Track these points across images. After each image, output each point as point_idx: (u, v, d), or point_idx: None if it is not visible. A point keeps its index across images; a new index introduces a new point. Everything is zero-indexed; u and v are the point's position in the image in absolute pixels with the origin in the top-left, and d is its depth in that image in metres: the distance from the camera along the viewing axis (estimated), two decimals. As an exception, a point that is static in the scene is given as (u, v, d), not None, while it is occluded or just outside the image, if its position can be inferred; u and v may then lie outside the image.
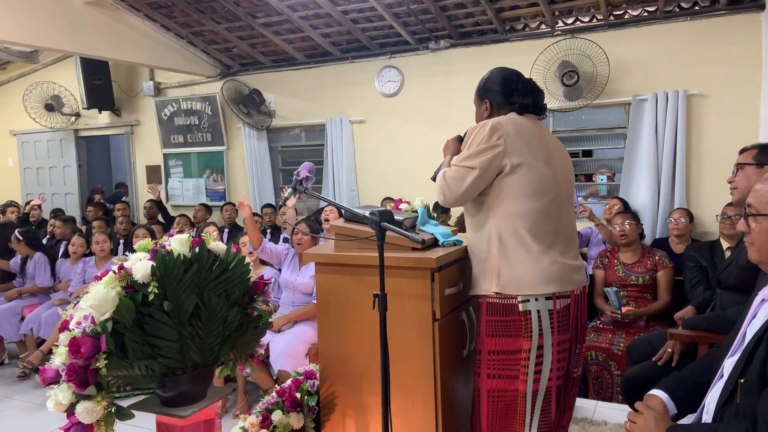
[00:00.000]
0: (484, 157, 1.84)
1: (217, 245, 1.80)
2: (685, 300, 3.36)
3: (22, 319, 4.49)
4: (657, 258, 3.63)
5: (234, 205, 5.90)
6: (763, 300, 1.32)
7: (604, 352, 3.32)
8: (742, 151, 2.13)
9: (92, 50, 4.99)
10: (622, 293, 3.62)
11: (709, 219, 4.22)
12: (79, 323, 1.51)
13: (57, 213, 6.48)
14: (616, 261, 3.71)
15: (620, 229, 3.65)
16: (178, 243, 1.66)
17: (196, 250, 1.70)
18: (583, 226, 4.34)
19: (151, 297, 1.55)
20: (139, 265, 1.57)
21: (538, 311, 1.86)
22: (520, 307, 1.86)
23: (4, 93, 7.68)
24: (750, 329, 1.31)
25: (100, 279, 1.59)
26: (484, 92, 2.08)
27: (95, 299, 1.50)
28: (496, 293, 1.89)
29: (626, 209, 4.16)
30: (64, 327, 1.55)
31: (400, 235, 1.83)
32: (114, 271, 1.59)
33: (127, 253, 1.68)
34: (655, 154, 4.35)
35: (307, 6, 4.78)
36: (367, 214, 1.85)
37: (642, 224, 3.86)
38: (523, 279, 1.86)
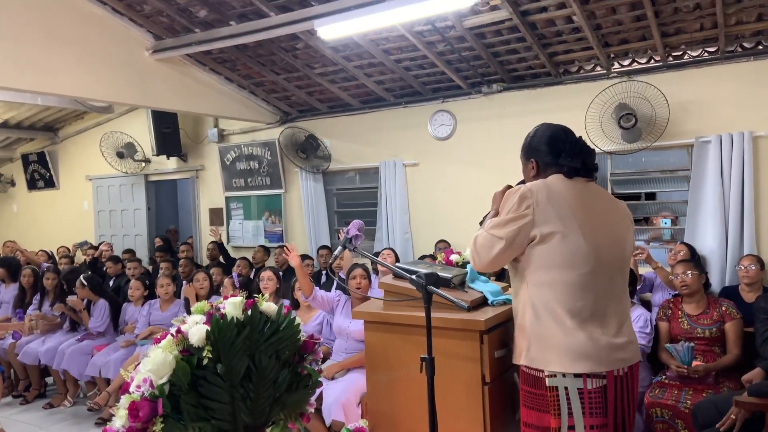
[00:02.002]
0: (512, 227, 1.80)
1: (269, 306, 1.86)
2: (758, 354, 3.17)
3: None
4: (724, 308, 3.45)
5: (263, 247, 6.11)
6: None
7: (670, 410, 3.15)
8: None
9: (162, 103, 5.31)
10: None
11: (783, 266, 3.98)
12: (138, 386, 1.58)
13: (129, 252, 6.85)
14: (680, 312, 3.54)
15: (681, 279, 3.49)
16: (231, 306, 1.73)
17: (249, 312, 1.76)
18: (646, 270, 4.18)
19: (206, 361, 1.61)
20: (195, 329, 1.64)
21: (566, 388, 1.75)
22: (547, 381, 1.77)
23: (81, 141, 8.24)
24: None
25: (159, 342, 1.66)
26: (529, 151, 2.00)
27: (154, 363, 1.57)
28: (526, 368, 1.83)
29: (692, 255, 3.99)
30: (125, 389, 1.63)
31: (445, 300, 1.83)
32: (172, 335, 1.66)
33: (184, 315, 1.76)
34: (721, 197, 4.17)
35: (361, 56, 4.94)
36: (413, 276, 1.86)
37: (706, 272, 3.69)
38: (551, 353, 1.76)
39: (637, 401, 2.01)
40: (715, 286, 4.16)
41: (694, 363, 3.32)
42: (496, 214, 2.01)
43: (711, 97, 4.25)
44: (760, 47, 4.10)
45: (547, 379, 1.76)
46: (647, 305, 4.24)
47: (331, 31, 3.97)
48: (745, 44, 4.13)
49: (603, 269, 1.82)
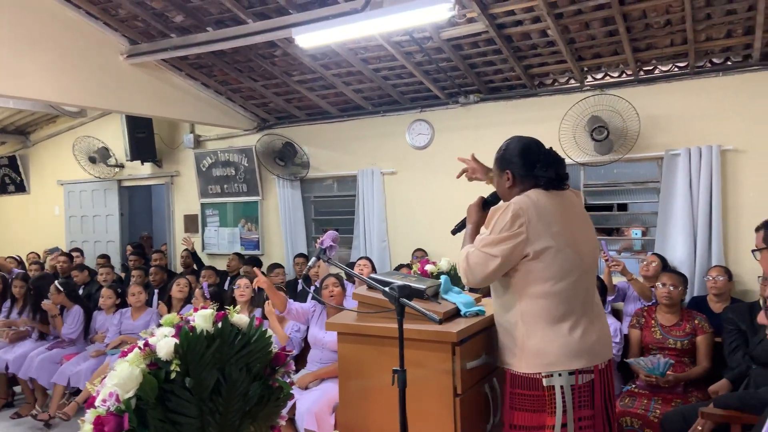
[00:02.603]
0: (507, 245, 1.86)
1: (240, 318, 1.83)
2: (726, 364, 3.23)
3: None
4: (696, 322, 3.50)
5: (237, 254, 6.14)
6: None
7: (639, 419, 3.19)
8: (757, 230, 2.07)
9: (136, 108, 5.25)
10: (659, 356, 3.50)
11: (749, 277, 4.08)
12: (104, 401, 1.55)
13: (104, 257, 6.72)
14: (653, 322, 3.60)
15: (665, 290, 3.53)
16: (201, 319, 1.71)
17: (219, 324, 1.74)
18: (618, 279, 4.24)
19: (173, 375, 1.59)
20: (163, 342, 1.61)
21: (562, 387, 1.86)
22: (544, 382, 1.87)
23: (53, 145, 8.09)
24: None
25: (126, 355, 1.63)
26: (504, 163, 2.06)
27: (120, 377, 1.54)
28: (522, 372, 1.91)
29: (664, 267, 4.06)
30: (91, 403, 1.60)
31: (417, 312, 1.84)
32: (139, 348, 1.63)
33: (153, 328, 1.73)
34: (690, 209, 4.26)
35: (339, 65, 4.94)
36: (387, 288, 1.86)
37: (686, 290, 3.76)
38: (548, 355, 1.87)
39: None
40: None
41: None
42: (476, 228, 2.08)
43: (681, 111, 4.35)
44: (729, 63, 4.21)
45: (544, 379, 1.87)
46: (618, 314, 4.30)
47: (309, 39, 3.97)
48: (714, 60, 4.24)
49: (585, 274, 1.96)
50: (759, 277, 3.31)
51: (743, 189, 4.19)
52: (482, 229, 1.99)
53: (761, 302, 3.17)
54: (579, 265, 1.93)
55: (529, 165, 2.00)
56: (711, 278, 3.87)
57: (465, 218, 2.24)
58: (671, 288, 3.53)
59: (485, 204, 2.19)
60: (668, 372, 3.35)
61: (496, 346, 2.09)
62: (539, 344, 1.88)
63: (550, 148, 2.08)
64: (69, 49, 4.52)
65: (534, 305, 1.90)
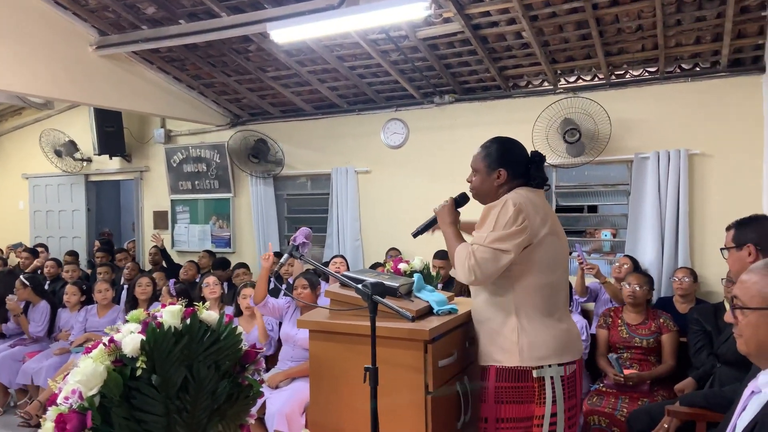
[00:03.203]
0: (516, 240, 1.88)
1: (210, 315, 1.79)
2: (690, 363, 3.30)
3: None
4: (662, 321, 3.58)
5: (208, 252, 6.02)
6: (752, 392, 1.30)
7: (607, 418, 3.24)
8: (728, 229, 2.12)
9: (105, 101, 5.12)
10: (625, 355, 3.57)
11: (714, 279, 4.18)
12: (66, 398, 1.50)
13: (73, 254, 6.55)
14: (620, 321, 3.67)
15: (630, 290, 3.61)
16: (169, 315, 1.67)
17: (188, 321, 1.70)
18: (590, 281, 4.30)
19: (139, 372, 1.55)
20: (129, 339, 1.57)
21: (552, 378, 1.92)
22: (534, 373, 1.91)
23: (18, 137, 7.86)
24: (740, 422, 1.29)
25: (90, 352, 1.59)
26: (501, 162, 2.06)
27: (83, 374, 1.49)
28: (512, 366, 1.93)
29: (636, 268, 4.13)
30: (53, 400, 1.54)
31: (390, 309, 1.83)
32: (104, 344, 1.59)
33: (119, 324, 1.68)
34: (658, 211, 4.35)
35: (315, 62, 4.91)
36: (359, 285, 1.85)
37: (653, 290, 3.84)
38: (542, 348, 1.92)
39: None
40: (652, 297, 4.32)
41: (628, 371, 3.44)
42: (455, 228, 2.11)
43: (650, 116, 4.44)
44: (698, 69, 4.31)
45: (534, 371, 1.91)
46: (587, 315, 4.37)
47: (285, 34, 3.93)
48: (684, 65, 4.33)
49: (564, 269, 2.05)
50: (722, 279, 3.38)
51: (709, 192, 4.29)
52: (480, 227, 1.97)
53: (725, 303, 3.24)
54: (562, 259, 2.03)
55: (526, 165, 2.07)
56: (677, 279, 3.95)
57: (429, 221, 2.26)
58: (636, 288, 3.61)
59: (456, 205, 2.21)
60: (632, 371, 3.42)
61: (476, 346, 2.10)
62: (534, 337, 1.92)
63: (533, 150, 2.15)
64: (37, 40, 4.39)
65: (528, 298, 1.95)
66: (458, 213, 2.20)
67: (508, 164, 2.05)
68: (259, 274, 3.70)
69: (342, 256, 5.06)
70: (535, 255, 1.93)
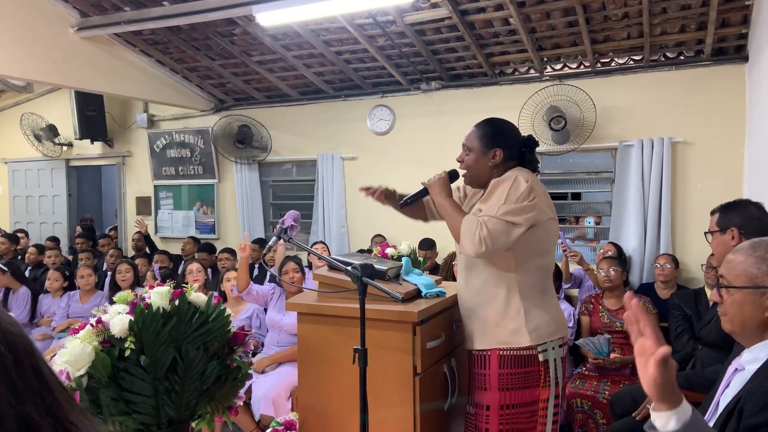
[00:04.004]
0: (528, 214, 1.85)
1: (198, 297, 1.79)
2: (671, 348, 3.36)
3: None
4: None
5: (193, 238, 5.94)
6: (735, 370, 1.33)
7: (589, 400, 3.30)
8: (712, 213, 2.15)
9: (86, 84, 5.03)
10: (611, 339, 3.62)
11: (695, 265, 4.25)
12: (53, 379, 1.49)
13: (54, 240, 6.46)
14: (600, 307, 3.72)
15: (605, 274, 3.68)
16: (158, 296, 1.66)
17: (176, 302, 1.69)
18: (574, 268, 4.35)
19: (128, 353, 1.54)
20: (117, 319, 1.56)
21: (555, 360, 1.95)
22: (540, 357, 1.93)
23: (-3, 121, 7.70)
24: (723, 399, 1.32)
25: (77, 332, 1.57)
26: (495, 141, 2.01)
27: (71, 354, 1.48)
28: (518, 348, 1.93)
29: (619, 254, 4.19)
30: (38, 382, 1.53)
31: (380, 291, 1.83)
32: (92, 325, 1.57)
33: (106, 305, 1.67)
34: (641, 199, 4.40)
35: (300, 46, 4.86)
36: (349, 268, 1.85)
37: (627, 272, 3.89)
38: (545, 327, 1.95)
39: None
40: (635, 282, 4.39)
41: (612, 355, 3.50)
42: (452, 199, 2.05)
43: (635, 104, 4.48)
44: (682, 57, 4.35)
45: (540, 354, 1.92)
46: (572, 301, 4.42)
47: (271, 18, 3.88)
48: (668, 54, 4.37)
49: (554, 253, 2.10)
50: (702, 265, 3.44)
51: (691, 180, 4.35)
52: (487, 200, 1.91)
53: (705, 288, 3.30)
54: (555, 244, 2.07)
55: (520, 149, 2.04)
56: (659, 266, 4.01)
57: (419, 192, 2.18)
58: (611, 271, 3.67)
59: (452, 178, 2.16)
60: (615, 355, 3.47)
61: (466, 332, 2.07)
62: (539, 316, 1.94)
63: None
64: (17, 20, 4.30)
65: (530, 277, 1.95)
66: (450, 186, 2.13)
67: (505, 145, 2.01)
68: (239, 263, 3.70)
69: (323, 242, 5.06)
70: (539, 235, 1.92)
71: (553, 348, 1.94)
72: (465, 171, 2.09)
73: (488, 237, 1.82)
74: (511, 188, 1.87)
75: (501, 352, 1.93)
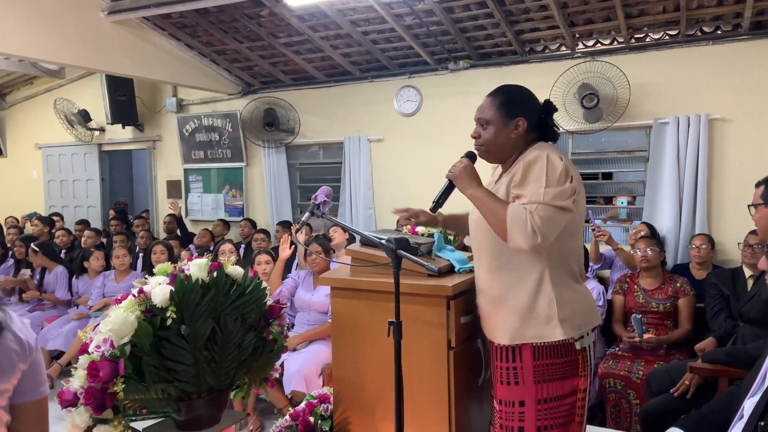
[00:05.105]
0: (572, 198, 1.69)
1: (235, 269, 1.81)
2: (707, 328, 3.30)
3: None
4: (678, 285, 3.58)
5: (249, 221, 5.97)
6: (786, 341, 1.29)
7: (622, 380, 3.26)
8: (757, 185, 2.08)
9: (117, 68, 5.10)
10: (642, 320, 3.57)
11: (731, 245, 4.14)
12: (98, 347, 1.52)
13: (83, 222, 6.62)
14: (636, 287, 3.67)
15: (642, 254, 3.61)
16: (196, 268, 1.68)
17: (214, 274, 1.72)
18: (605, 248, 4.29)
19: (169, 322, 1.57)
20: (158, 289, 1.59)
21: (589, 346, 1.81)
22: (577, 345, 1.76)
23: (30, 107, 7.86)
24: (773, 370, 1.29)
25: (120, 302, 1.61)
26: (519, 109, 1.82)
27: (114, 323, 1.52)
28: (555, 341, 1.75)
29: (653, 235, 4.11)
30: (84, 350, 1.57)
31: (415, 263, 1.83)
32: (134, 295, 1.61)
33: (146, 275, 1.70)
34: (677, 178, 4.30)
35: (327, 27, 4.84)
36: (383, 240, 1.85)
37: (665, 251, 3.82)
38: (578, 317, 1.77)
39: None
40: (669, 263, 4.31)
41: (646, 335, 3.45)
42: (487, 190, 1.84)
43: (670, 80, 4.36)
44: (719, 32, 4.21)
45: (577, 342, 1.76)
46: (603, 281, 4.36)
47: (298, -3, 3.87)
48: (705, 28, 4.24)
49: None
50: (739, 243, 3.36)
51: (728, 158, 4.23)
52: (523, 185, 1.72)
53: (743, 267, 3.22)
54: (583, 220, 1.89)
55: (544, 114, 1.85)
56: (695, 246, 3.93)
57: (444, 188, 1.99)
58: (648, 251, 3.59)
59: (472, 159, 1.98)
60: (649, 335, 3.43)
61: (488, 325, 1.90)
62: (572, 306, 1.76)
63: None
64: (49, 5, 4.36)
65: (561, 265, 1.78)
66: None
67: (528, 112, 1.82)
68: (275, 265, 3.83)
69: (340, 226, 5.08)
70: (571, 219, 1.73)
71: (588, 334, 1.79)
72: (482, 147, 1.89)
73: (542, 226, 1.64)
74: (548, 169, 1.68)
75: (535, 344, 1.75)
